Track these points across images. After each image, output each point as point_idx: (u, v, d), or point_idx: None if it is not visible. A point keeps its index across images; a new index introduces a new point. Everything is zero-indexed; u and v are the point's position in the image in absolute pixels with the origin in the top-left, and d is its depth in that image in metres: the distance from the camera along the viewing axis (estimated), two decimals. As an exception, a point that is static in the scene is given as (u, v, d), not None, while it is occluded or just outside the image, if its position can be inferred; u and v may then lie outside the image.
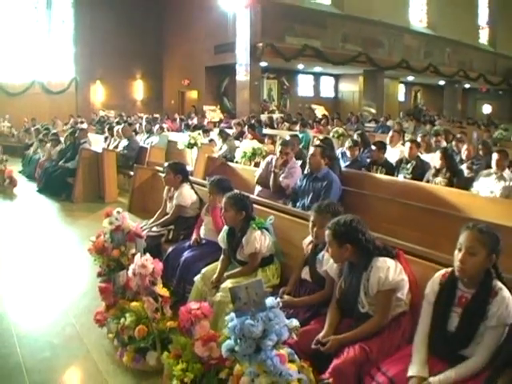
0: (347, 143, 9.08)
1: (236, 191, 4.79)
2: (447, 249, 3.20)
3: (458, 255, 2.87)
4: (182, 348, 3.44)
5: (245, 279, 4.14)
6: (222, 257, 4.74)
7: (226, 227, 4.74)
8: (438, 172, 7.23)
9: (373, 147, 8.53)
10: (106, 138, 13.31)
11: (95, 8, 24.90)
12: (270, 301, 2.86)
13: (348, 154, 8.91)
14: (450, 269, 3.02)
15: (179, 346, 3.47)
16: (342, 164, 8.49)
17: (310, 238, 4.03)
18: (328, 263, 3.65)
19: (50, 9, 25.85)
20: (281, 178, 6.82)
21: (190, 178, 6.45)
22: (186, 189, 5.95)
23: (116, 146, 11.96)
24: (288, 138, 8.56)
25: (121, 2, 25.70)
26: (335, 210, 3.84)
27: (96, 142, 12.60)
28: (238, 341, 2.77)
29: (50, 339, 4.55)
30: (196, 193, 6.02)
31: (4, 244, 7.42)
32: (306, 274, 4.03)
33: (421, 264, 3.50)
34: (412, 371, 2.86)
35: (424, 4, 31.51)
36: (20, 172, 13.67)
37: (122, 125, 13.15)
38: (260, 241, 4.42)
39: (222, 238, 4.74)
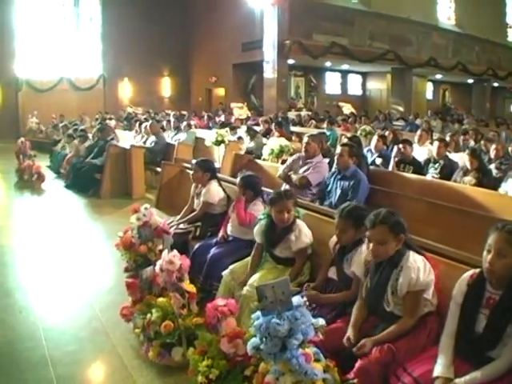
0: (374, 137, 9.11)
1: (285, 188, 4.68)
2: (475, 249, 3.17)
3: (486, 257, 2.84)
4: (208, 344, 3.46)
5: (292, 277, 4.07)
6: (253, 252, 4.63)
7: (263, 221, 4.56)
8: (466, 172, 7.16)
9: (400, 145, 8.46)
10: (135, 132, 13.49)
11: (122, 5, 25.13)
12: (296, 300, 2.85)
13: (373, 148, 8.92)
14: (477, 270, 2.99)
15: (205, 342, 3.49)
16: (369, 159, 8.47)
17: (335, 239, 3.98)
18: (355, 263, 3.63)
19: (78, 6, 26.21)
20: (307, 172, 6.76)
21: (218, 175, 6.43)
22: (214, 186, 5.92)
23: (144, 143, 12.03)
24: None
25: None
26: (358, 215, 3.71)
27: (124, 139, 12.71)
28: (264, 339, 2.77)
29: (76, 333, 4.60)
30: (224, 190, 5.98)
31: (32, 238, 7.53)
32: (333, 273, 3.99)
33: (448, 264, 3.46)
34: (437, 372, 2.84)
35: (452, 1, 31.17)
36: (48, 167, 13.83)
37: (150, 121, 13.21)
38: (308, 234, 4.33)
39: (258, 232, 4.58)
